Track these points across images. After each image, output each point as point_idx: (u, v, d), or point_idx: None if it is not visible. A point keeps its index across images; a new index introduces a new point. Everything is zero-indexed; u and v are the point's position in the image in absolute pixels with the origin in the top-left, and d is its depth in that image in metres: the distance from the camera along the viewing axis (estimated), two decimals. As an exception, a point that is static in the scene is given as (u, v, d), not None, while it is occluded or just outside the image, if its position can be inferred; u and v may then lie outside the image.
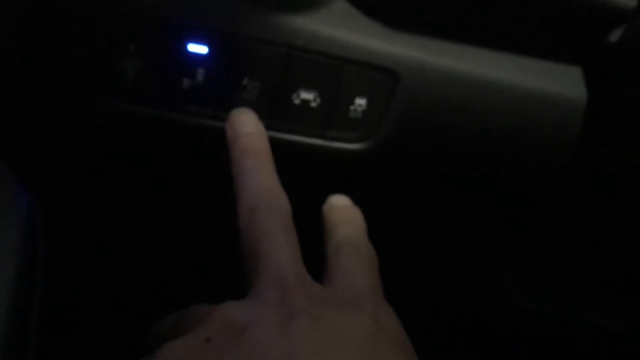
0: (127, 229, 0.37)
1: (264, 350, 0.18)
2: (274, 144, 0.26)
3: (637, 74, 0.28)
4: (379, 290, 0.23)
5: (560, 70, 0.29)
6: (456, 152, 0.30)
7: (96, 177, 0.32)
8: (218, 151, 0.26)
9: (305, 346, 0.18)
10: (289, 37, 0.26)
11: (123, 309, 0.43)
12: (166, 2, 0.25)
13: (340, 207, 0.27)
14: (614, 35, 0.28)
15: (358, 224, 0.26)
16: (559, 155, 0.30)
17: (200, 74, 0.26)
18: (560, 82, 0.29)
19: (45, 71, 0.26)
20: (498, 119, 0.29)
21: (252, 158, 0.24)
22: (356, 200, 0.27)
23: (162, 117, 0.27)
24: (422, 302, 0.41)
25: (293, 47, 0.26)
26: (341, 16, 0.27)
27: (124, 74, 0.26)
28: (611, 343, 0.41)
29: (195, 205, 0.35)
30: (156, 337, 0.23)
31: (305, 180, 0.29)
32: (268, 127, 0.27)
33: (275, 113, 0.27)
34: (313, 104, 0.27)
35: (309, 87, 0.27)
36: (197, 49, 0.26)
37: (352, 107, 0.28)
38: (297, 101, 0.27)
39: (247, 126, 0.26)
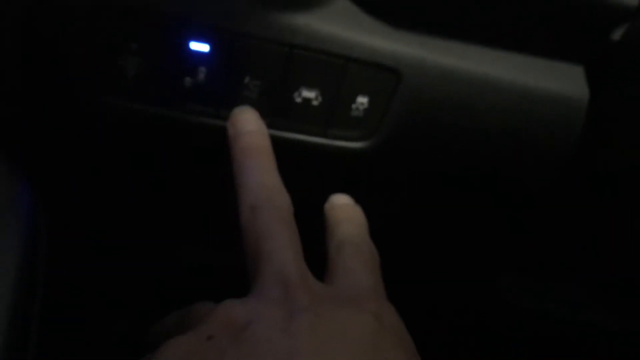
0: (128, 228, 0.37)
1: (266, 348, 0.18)
2: (276, 142, 0.26)
3: (638, 73, 0.28)
4: (380, 288, 0.23)
5: (562, 69, 0.29)
6: (457, 150, 0.30)
7: (97, 176, 0.32)
8: (219, 150, 0.26)
9: (307, 344, 0.18)
10: (290, 36, 0.26)
11: (123, 309, 0.43)
12: (168, 0, 0.25)
13: (341, 205, 0.27)
14: (616, 34, 0.28)
15: (359, 223, 0.26)
16: (560, 155, 0.30)
17: (202, 72, 0.26)
18: (562, 81, 0.29)
19: (46, 71, 0.26)
20: (499, 117, 0.29)
21: (253, 156, 0.24)
22: (357, 199, 0.27)
23: (163, 115, 0.27)
24: (422, 301, 0.41)
25: (295, 46, 0.26)
26: (343, 14, 0.27)
27: (125, 72, 0.26)
28: (611, 343, 0.41)
29: (196, 204, 0.35)
30: (158, 335, 0.23)
31: (307, 178, 0.29)
32: (269, 126, 0.27)
33: (276, 111, 0.27)
34: (315, 103, 0.27)
35: (310, 86, 0.27)
36: (199, 47, 0.26)
37: (353, 106, 0.28)
38: (298, 99, 0.27)
39: (248, 124, 0.26)
